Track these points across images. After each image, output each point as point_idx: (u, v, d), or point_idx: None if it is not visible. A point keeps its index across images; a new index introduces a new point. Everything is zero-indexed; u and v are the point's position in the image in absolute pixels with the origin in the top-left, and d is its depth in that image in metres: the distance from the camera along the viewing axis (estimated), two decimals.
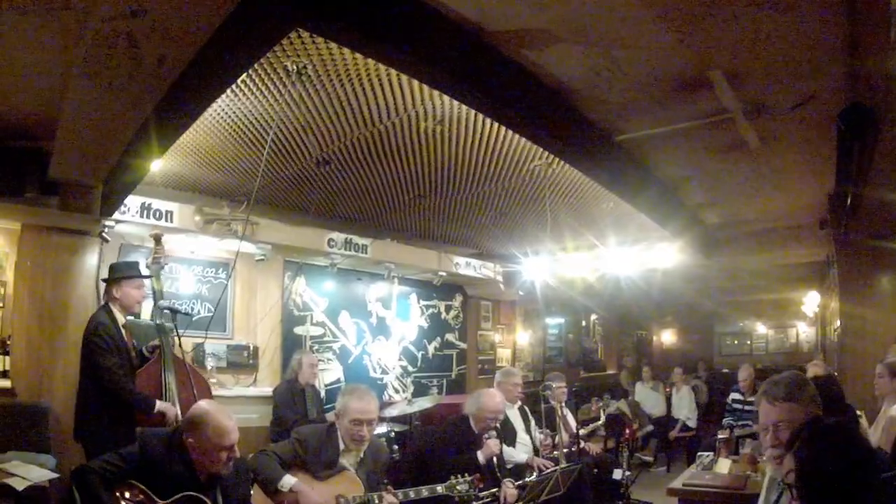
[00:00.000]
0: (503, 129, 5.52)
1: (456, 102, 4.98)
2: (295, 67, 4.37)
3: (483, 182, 7.02)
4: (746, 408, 9.41)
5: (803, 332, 18.34)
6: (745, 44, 3.90)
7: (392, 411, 8.17)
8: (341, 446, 4.74)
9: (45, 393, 5.80)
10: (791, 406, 2.95)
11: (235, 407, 7.30)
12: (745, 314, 18.91)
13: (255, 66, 4.32)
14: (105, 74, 3.45)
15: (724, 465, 5.98)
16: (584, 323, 15.93)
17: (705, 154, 5.85)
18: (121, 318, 5.49)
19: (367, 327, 9.85)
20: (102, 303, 5.72)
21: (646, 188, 6.45)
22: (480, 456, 5.80)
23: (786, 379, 3.06)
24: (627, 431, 9.99)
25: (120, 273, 5.56)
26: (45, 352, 5.87)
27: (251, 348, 8.23)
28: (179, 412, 5.24)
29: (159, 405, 5.24)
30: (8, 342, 6.06)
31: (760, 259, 9.82)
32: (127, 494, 3.58)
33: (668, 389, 12.67)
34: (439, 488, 4.87)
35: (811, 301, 14.13)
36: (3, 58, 3.89)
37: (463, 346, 11.68)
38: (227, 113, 5.22)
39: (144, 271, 5.91)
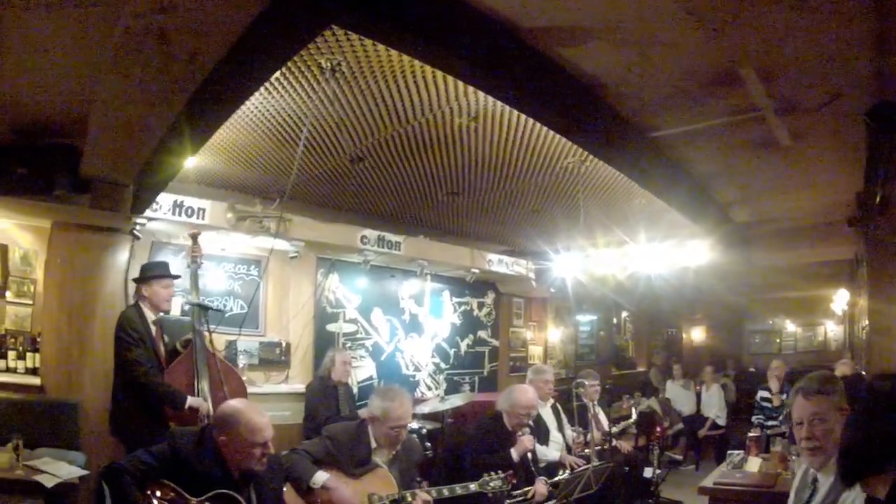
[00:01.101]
0: (537, 125, 5.46)
1: (490, 99, 4.93)
2: (329, 64, 4.33)
3: (516, 179, 6.96)
4: (776, 405, 9.36)
5: (831, 330, 18.09)
6: (775, 40, 3.82)
7: (424, 408, 8.11)
8: (373, 444, 4.72)
9: (75, 390, 5.83)
10: (824, 399, 3.08)
11: (267, 404, 7.31)
12: (774, 312, 18.69)
13: (289, 63, 4.27)
14: (135, 71, 3.42)
15: (754, 464, 5.96)
16: (615, 320, 15.79)
17: (736, 151, 5.77)
18: (150, 316, 5.60)
19: (400, 324, 9.81)
20: (133, 301, 5.81)
21: (678, 185, 6.37)
22: (514, 453, 5.76)
23: (818, 375, 3.21)
24: (658, 429, 9.88)
25: (149, 272, 5.70)
26: (74, 349, 5.90)
27: (283, 345, 8.21)
28: (212, 409, 5.26)
29: (190, 400, 5.27)
30: (38, 339, 6.11)
31: (790, 256, 9.68)
32: (158, 493, 3.56)
33: (697, 388, 12.58)
34: (472, 486, 4.85)
35: (840, 299, 13.95)
36: (33, 55, 3.87)
37: (495, 343, 11.59)
38: (260, 110, 5.20)
39: (180, 271, 5.99)
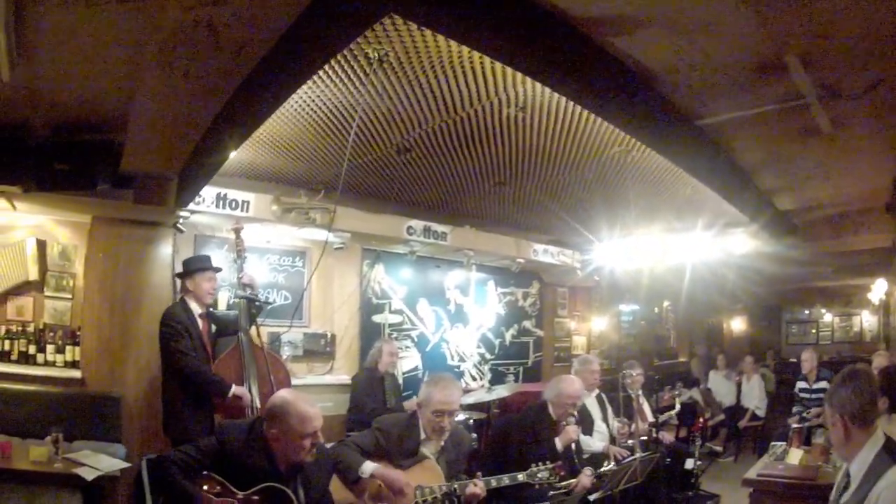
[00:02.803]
0: (584, 114, 5.38)
1: (538, 88, 4.85)
2: (376, 55, 4.25)
3: (563, 168, 6.87)
4: (813, 396, 9.37)
5: (866, 321, 17.95)
6: (818, 27, 3.71)
7: (469, 399, 8.07)
8: (422, 435, 4.71)
9: (117, 383, 5.88)
10: (827, 407, 3.29)
11: (311, 395, 7.30)
12: (812, 301, 18.57)
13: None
14: (181, 63, 3.39)
15: (795, 456, 5.99)
16: (656, 310, 15.65)
17: (779, 139, 5.66)
18: (196, 309, 5.69)
19: (446, 315, 9.77)
20: (179, 297, 5.89)
21: (723, 173, 6.26)
22: (558, 442, 5.75)
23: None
24: (700, 420, 9.80)
25: (191, 266, 5.79)
26: (116, 342, 5.94)
27: (328, 336, 8.21)
28: (258, 401, 5.29)
29: (234, 388, 5.35)
30: (78, 333, 6.16)
31: (832, 244, 9.51)
32: (205, 487, 3.58)
33: (737, 378, 12.51)
34: (520, 476, 4.85)
35: (878, 288, 13.73)
36: (76, 53, 3.86)
37: (540, 333, 11.52)
38: (306, 101, 5.14)
39: (226, 265, 6.03)
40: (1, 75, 3.80)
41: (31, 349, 6.06)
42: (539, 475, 4.83)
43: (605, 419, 7.35)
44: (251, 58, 3.40)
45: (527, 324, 11.26)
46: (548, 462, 4.92)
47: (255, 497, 3.58)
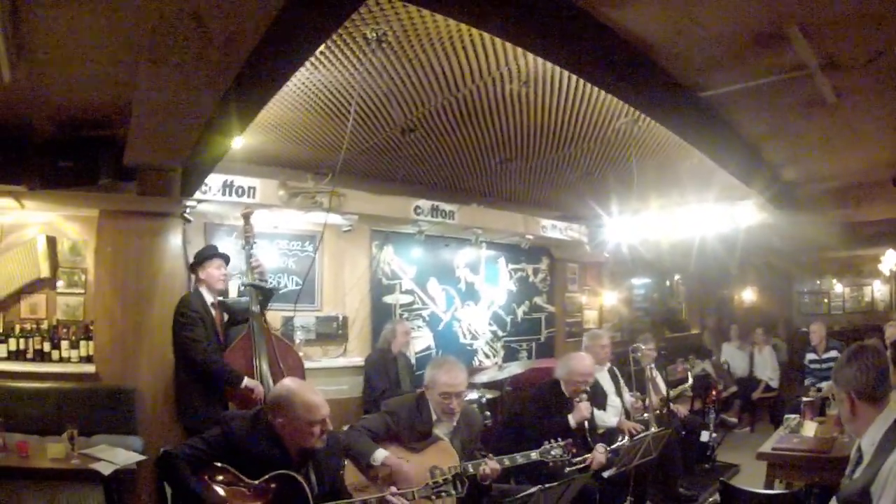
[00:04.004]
0: (588, 88, 5.34)
1: (540, 63, 4.81)
2: (374, 35, 4.22)
3: (569, 143, 6.82)
4: (824, 366, 9.41)
5: (878, 290, 17.80)
6: None
7: (483, 377, 8.08)
8: (433, 416, 4.71)
9: (131, 376, 5.89)
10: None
11: (325, 378, 7.37)
12: (822, 272, 18.47)
13: (333, 36, 4.19)
14: (173, 56, 3.34)
15: (810, 428, 6.04)
16: (667, 283, 15.60)
17: (784, 110, 5.59)
18: (209, 298, 5.76)
19: (457, 293, 9.74)
20: (193, 287, 5.96)
21: (729, 145, 6.21)
22: (571, 420, 5.76)
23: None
24: (714, 393, 9.79)
25: (201, 255, 5.88)
26: (129, 335, 5.94)
27: (340, 319, 8.21)
28: (271, 385, 5.30)
29: (247, 381, 5.39)
30: (91, 327, 6.18)
31: (838, 216, 9.44)
32: (218, 478, 3.58)
33: (750, 349, 12.48)
34: (533, 454, 4.87)
35: (889, 259, 13.64)
36: (68, 50, 3.86)
37: (551, 308, 11.47)
38: (307, 85, 5.13)
39: (234, 252, 6.06)
40: (1, 77, 3.81)
41: (46, 346, 6.11)
42: (552, 453, 4.84)
43: (619, 393, 7.34)
44: (243, 48, 3.34)
45: (538, 300, 11.23)
46: (560, 439, 4.93)
47: (268, 485, 3.58)
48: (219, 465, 3.61)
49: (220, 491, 3.53)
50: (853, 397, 3.10)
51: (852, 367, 3.12)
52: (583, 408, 5.80)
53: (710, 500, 7.02)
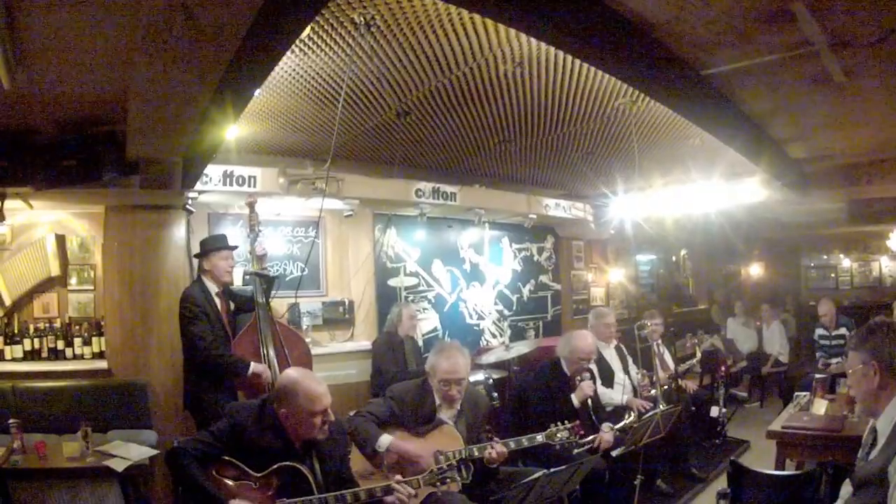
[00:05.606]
0: (585, 67, 5.27)
1: (535, 43, 4.75)
2: (363, 19, 4.18)
3: (568, 123, 6.76)
4: (833, 343, 9.40)
5: (885, 266, 17.86)
6: None
7: (490, 358, 8.06)
8: (437, 401, 4.71)
9: (142, 369, 5.95)
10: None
11: (333, 363, 7.39)
12: (830, 247, 18.51)
13: (321, 21, 4.17)
14: (166, 50, 3.36)
15: (820, 406, 5.96)
16: (674, 258, 15.58)
17: (790, 88, 5.53)
18: (213, 288, 5.73)
19: (461, 274, 9.75)
20: (196, 277, 5.96)
21: (734, 123, 6.15)
22: (574, 399, 5.76)
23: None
24: (723, 368, 9.78)
25: (207, 246, 5.83)
26: (139, 329, 6.00)
27: (346, 303, 8.23)
28: (279, 374, 5.30)
29: (253, 366, 5.37)
30: (102, 323, 6.20)
31: (846, 193, 9.40)
32: (224, 473, 3.61)
33: (758, 324, 12.45)
34: (539, 437, 4.82)
35: None
36: (69, 51, 3.88)
37: (557, 287, 11.49)
38: (297, 72, 5.10)
39: (239, 240, 6.06)
40: (2, 82, 3.85)
41: (60, 344, 6.19)
42: (559, 435, 4.79)
43: (626, 370, 7.33)
44: (234, 36, 3.35)
45: (543, 278, 11.23)
46: (566, 421, 4.89)
47: (272, 478, 3.60)
48: (226, 458, 3.63)
49: (229, 484, 3.57)
50: (881, 368, 3.05)
51: (876, 337, 3.11)
52: (585, 386, 5.78)
53: (721, 477, 7.02)
